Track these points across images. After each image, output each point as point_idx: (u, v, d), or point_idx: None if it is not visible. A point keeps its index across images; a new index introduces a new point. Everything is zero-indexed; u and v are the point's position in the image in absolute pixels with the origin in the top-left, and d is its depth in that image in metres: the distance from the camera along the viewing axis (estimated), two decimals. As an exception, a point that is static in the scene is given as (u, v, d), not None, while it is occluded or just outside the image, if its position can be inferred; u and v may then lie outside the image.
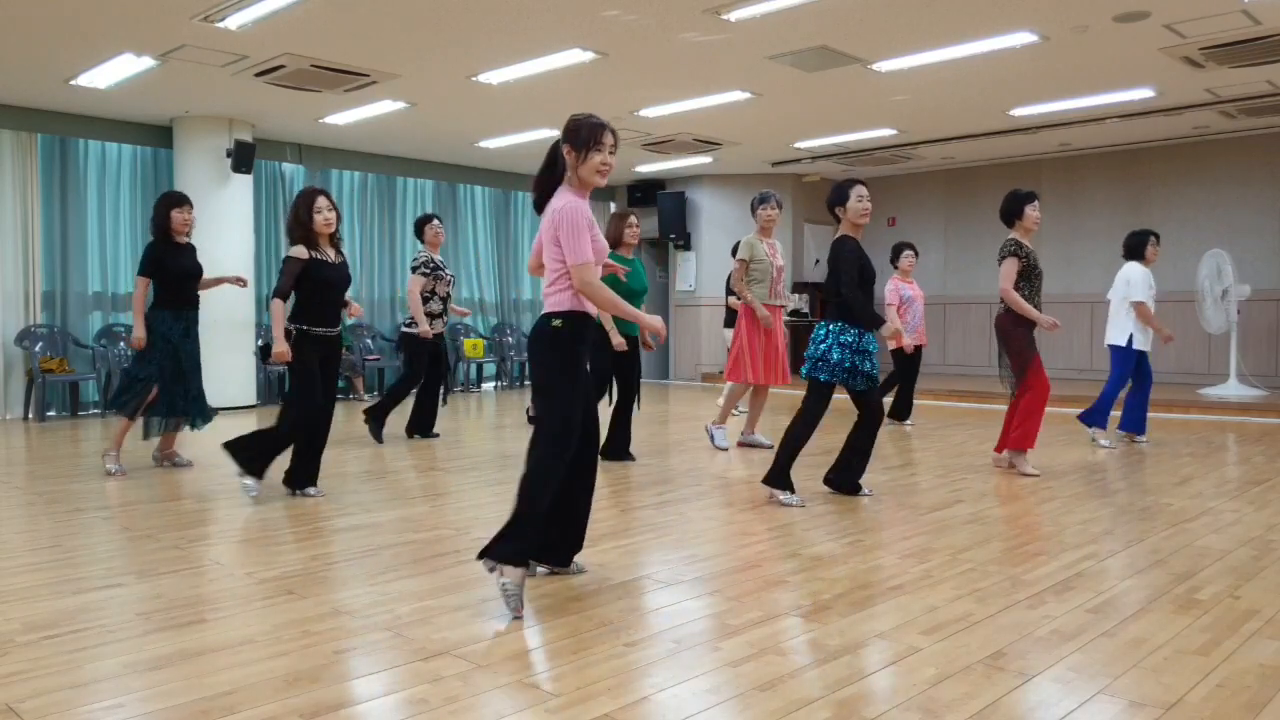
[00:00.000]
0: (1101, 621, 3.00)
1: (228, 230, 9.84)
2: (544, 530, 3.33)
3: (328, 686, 2.50)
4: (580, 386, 3.30)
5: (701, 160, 12.35)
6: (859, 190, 4.86)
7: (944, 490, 5.31)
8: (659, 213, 13.61)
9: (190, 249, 6.05)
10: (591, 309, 3.33)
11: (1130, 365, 7.00)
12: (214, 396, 9.61)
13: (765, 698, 2.41)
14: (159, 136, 9.94)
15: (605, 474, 5.95)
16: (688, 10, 6.38)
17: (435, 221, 7.45)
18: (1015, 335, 5.80)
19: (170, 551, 3.95)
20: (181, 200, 5.96)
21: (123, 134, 9.79)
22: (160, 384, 5.85)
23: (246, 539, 4.22)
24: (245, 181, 9.96)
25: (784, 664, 2.65)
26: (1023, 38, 7.01)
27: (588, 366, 3.42)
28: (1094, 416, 7.11)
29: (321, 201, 5.11)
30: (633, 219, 6.26)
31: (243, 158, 9.64)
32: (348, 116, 9.50)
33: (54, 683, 2.51)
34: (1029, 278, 5.79)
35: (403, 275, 12.35)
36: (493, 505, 4.93)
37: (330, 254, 5.20)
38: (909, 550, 3.95)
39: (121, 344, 9.74)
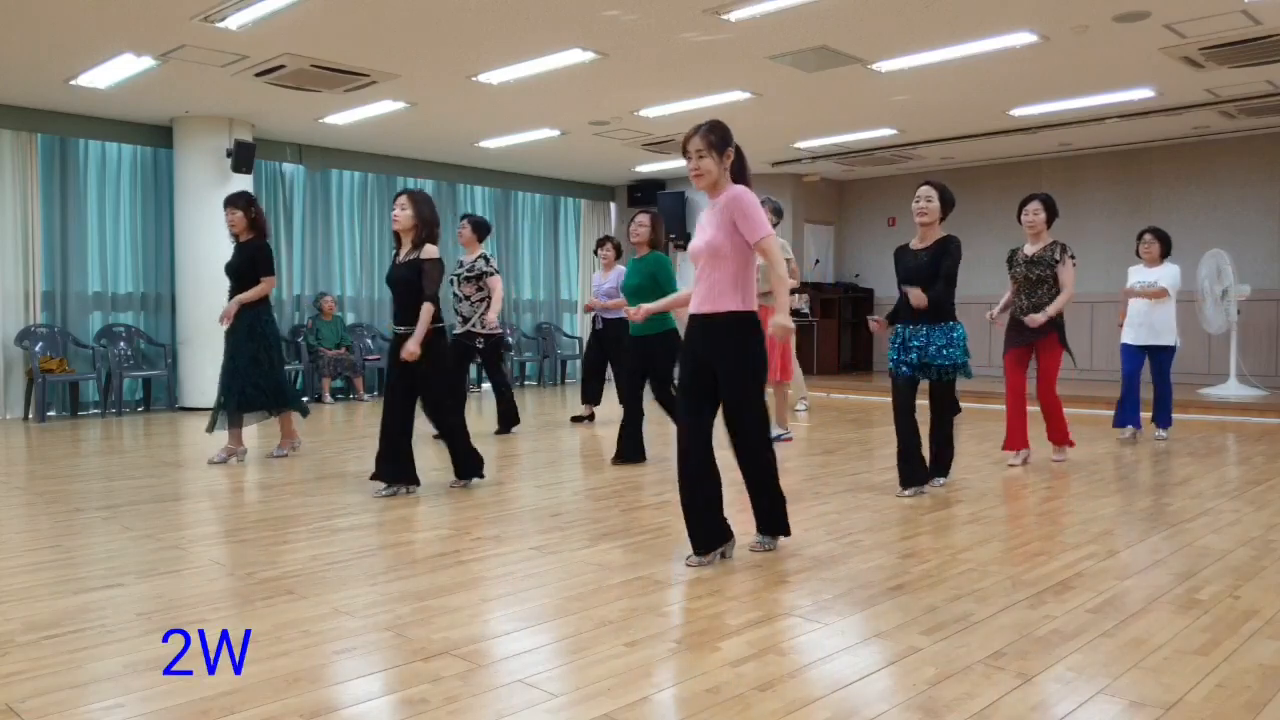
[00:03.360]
0: (1101, 621, 3.00)
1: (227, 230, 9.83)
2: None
3: (328, 686, 2.50)
4: None
5: (701, 160, 12.33)
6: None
7: (944, 490, 5.31)
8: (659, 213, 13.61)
9: (237, 248, 6.46)
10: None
11: (1137, 361, 7.32)
12: (212, 397, 9.71)
13: (765, 698, 2.41)
14: (159, 136, 9.94)
15: (604, 474, 5.95)
16: (688, 10, 6.38)
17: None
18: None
19: (170, 551, 3.95)
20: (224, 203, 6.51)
21: (123, 134, 9.79)
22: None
23: (246, 539, 4.22)
24: (245, 182, 9.95)
25: (784, 664, 2.65)
26: (1023, 38, 7.01)
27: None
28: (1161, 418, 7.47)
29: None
30: (634, 218, 6.54)
31: (243, 158, 9.64)
32: (348, 116, 9.50)
33: (54, 683, 2.51)
34: (1011, 276, 6.19)
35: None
36: (493, 505, 4.93)
37: (401, 253, 5.26)
38: (909, 550, 3.95)
39: (122, 344, 9.75)
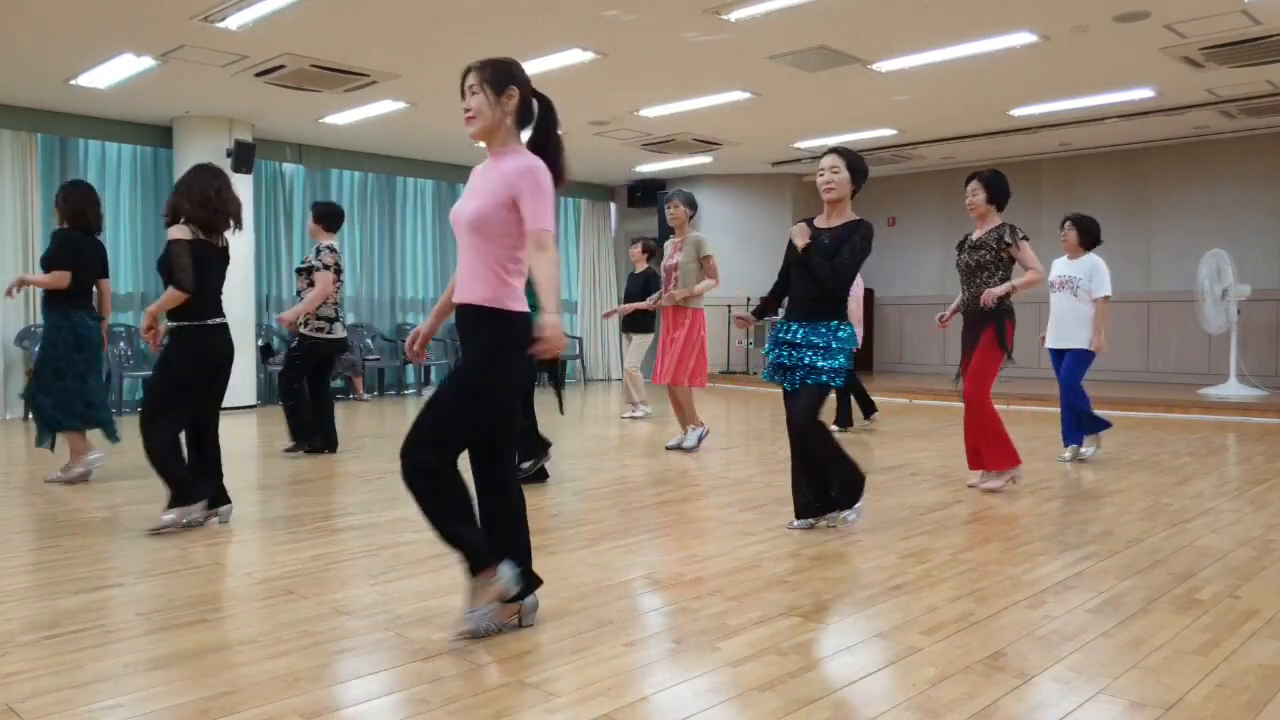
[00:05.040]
0: (1101, 621, 3.00)
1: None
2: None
3: (328, 686, 2.50)
4: None
5: (701, 160, 12.35)
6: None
7: (944, 490, 5.31)
8: (659, 213, 13.61)
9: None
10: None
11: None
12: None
13: (765, 698, 2.41)
14: (159, 136, 9.94)
15: (604, 474, 5.95)
16: (688, 10, 6.38)
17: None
18: None
19: (170, 551, 3.94)
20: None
21: (123, 134, 9.80)
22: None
23: (246, 539, 4.21)
24: (245, 181, 9.94)
25: (784, 664, 2.65)
26: (1023, 38, 7.01)
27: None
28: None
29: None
30: None
31: (243, 158, 9.64)
32: (348, 116, 9.50)
33: (54, 683, 2.51)
34: (956, 266, 5.42)
35: (402, 275, 12.33)
36: (493, 505, 4.92)
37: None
38: (909, 550, 3.95)
39: (122, 344, 9.75)
